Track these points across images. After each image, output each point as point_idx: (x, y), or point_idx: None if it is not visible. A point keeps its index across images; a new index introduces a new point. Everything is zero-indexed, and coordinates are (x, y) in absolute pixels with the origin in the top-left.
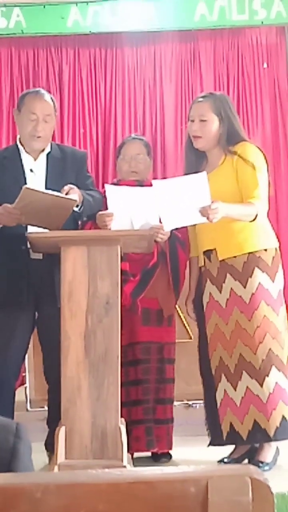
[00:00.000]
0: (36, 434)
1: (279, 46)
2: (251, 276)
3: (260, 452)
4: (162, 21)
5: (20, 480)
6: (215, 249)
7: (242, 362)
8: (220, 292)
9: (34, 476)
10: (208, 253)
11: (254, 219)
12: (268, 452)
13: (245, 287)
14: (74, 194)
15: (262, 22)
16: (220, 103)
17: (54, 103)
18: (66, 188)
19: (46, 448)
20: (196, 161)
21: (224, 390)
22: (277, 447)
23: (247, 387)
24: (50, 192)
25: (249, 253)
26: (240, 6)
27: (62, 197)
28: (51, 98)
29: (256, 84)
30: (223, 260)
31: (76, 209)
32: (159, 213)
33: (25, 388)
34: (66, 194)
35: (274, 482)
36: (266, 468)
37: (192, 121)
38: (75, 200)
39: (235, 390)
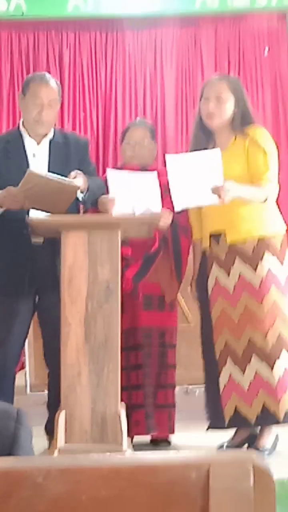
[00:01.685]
0: (36, 418)
1: (280, 32)
2: (261, 260)
3: (260, 438)
4: (163, 6)
5: (22, 465)
6: (223, 232)
7: (251, 346)
8: (228, 275)
9: (36, 461)
10: (215, 235)
11: (264, 201)
12: (268, 438)
13: (255, 271)
14: (80, 179)
15: (264, 8)
16: (236, 84)
17: (59, 88)
18: (73, 173)
19: (46, 432)
20: (205, 141)
21: (230, 374)
22: (276, 434)
23: (256, 371)
24: (54, 176)
25: (259, 237)
26: None
27: (66, 182)
28: (56, 82)
29: (257, 70)
30: (232, 244)
31: (81, 195)
32: (171, 190)
33: (25, 372)
34: (73, 179)
35: (274, 468)
36: (266, 454)
37: (207, 99)
38: (79, 186)
39: (243, 374)
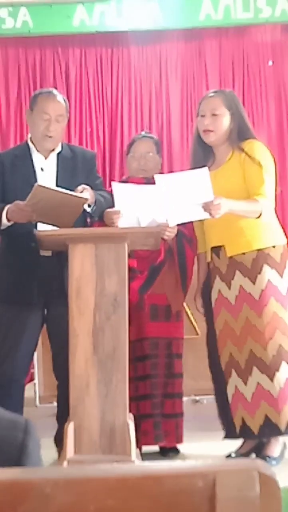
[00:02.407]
0: (45, 430)
1: (284, 43)
2: (260, 273)
3: (267, 447)
4: (168, 20)
5: (30, 475)
6: (223, 246)
7: (252, 358)
8: (229, 288)
9: (43, 471)
10: (216, 249)
11: (258, 217)
12: (275, 447)
13: (254, 284)
14: (87, 193)
15: (267, 20)
16: (231, 98)
17: (66, 104)
18: (79, 188)
19: (55, 444)
20: (203, 156)
21: (235, 385)
22: (284, 443)
23: (258, 382)
24: (61, 190)
25: (258, 250)
26: (245, 4)
27: (73, 195)
28: (63, 98)
29: (261, 82)
30: (231, 257)
31: (88, 209)
32: (163, 207)
33: (34, 384)
34: (80, 193)
35: (281, 476)
36: (274, 462)
37: (203, 116)
38: (86, 199)
39: (246, 386)
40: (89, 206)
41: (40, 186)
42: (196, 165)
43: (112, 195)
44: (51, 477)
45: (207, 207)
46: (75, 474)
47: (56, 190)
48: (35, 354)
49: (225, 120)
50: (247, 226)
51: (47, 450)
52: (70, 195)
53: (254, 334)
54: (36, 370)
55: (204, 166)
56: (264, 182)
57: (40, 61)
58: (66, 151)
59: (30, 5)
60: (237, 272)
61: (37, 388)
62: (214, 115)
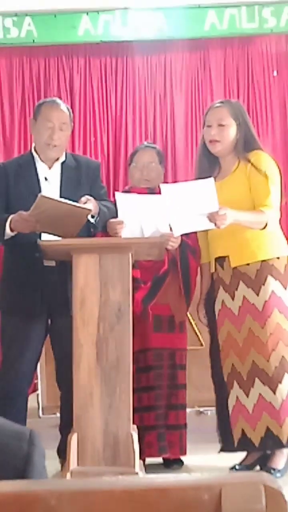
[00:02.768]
0: (48, 441)
1: None
2: (264, 284)
3: (272, 459)
4: (173, 30)
5: (35, 487)
6: (228, 256)
7: (255, 369)
8: (233, 299)
9: (48, 483)
10: (220, 260)
11: (264, 227)
12: (280, 459)
13: (258, 295)
14: (90, 204)
15: (272, 30)
16: (238, 109)
17: (70, 113)
18: (83, 199)
19: (58, 455)
20: (209, 167)
21: (236, 396)
22: None
23: (260, 394)
24: (65, 200)
25: (262, 261)
26: (250, 15)
27: (77, 206)
28: (67, 107)
29: (266, 92)
30: (235, 267)
31: (92, 220)
32: (168, 217)
33: (37, 395)
34: (83, 204)
35: (286, 490)
36: (278, 475)
37: (209, 126)
38: (90, 210)
39: (248, 397)
40: (92, 216)
41: (44, 196)
42: (201, 175)
43: (115, 205)
44: (56, 489)
45: (212, 217)
46: (80, 486)
47: (59, 201)
48: (39, 364)
49: (232, 131)
50: (252, 237)
51: (50, 461)
52: (74, 206)
53: (257, 345)
54: (39, 381)
55: (209, 176)
56: (270, 193)
57: (44, 71)
58: (70, 161)
59: (35, 14)
60: (241, 283)
61: (40, 399)
62: (220, 125)
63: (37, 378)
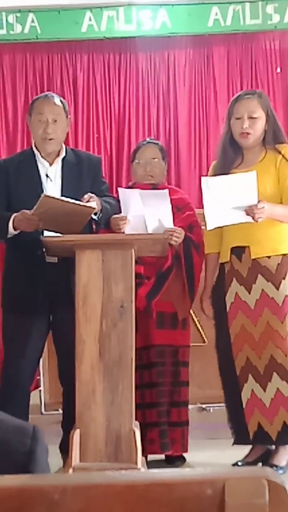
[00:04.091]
0: (50, 437)
1: None
2: (284, 278)
3: (274, 455)
4: (176, 26)
5: (38, 482)
6: (248, 247)
7: (272, 363)
8: (249, 292)
9: (51, 478)
10: (238, 251)
11: None
12: (283, 456)
13: (278, 289)
14: (94, 202)
15: (276, 27)
16: (266, 100)
17: (64, 105)
18: (86, 196)
19: (60, 451)
20: (234, 157)
21: (252, 390)
22: None
23: (278, 388)
24: (69, 200)
25: (284, 254)
26: (254, 11)
27: (80, 205)
28: (60, 100)
29: (270, 88)
30: (255, 259)
31: (94, 217)
32: (205, 209)
33: (40, 391)
34: (86, 202)
35: None
36: (281, 471)
37: (238, 118)
38: (94, 208)
39: (265, 391)
40: (95, 214)
41: (47, 196)
42: (225, 165)
43: (118, 201)
44: (60, 483)
45: (251, 210)
46: (83, 481)
47: (63, 200)
48: (41, 361)
49: (262, 123)
50: (275, 229)
51: (52, 457)
52: (78, 204)
53: (276, 339)
54: (41, 377)
55: (231, 167)
56: None
57: (47, 67)
58: (71, 156)
59: (38, 10)
60: (260, 276)
61: (42, 395)
62: (251, 117)
63: (39, 375)
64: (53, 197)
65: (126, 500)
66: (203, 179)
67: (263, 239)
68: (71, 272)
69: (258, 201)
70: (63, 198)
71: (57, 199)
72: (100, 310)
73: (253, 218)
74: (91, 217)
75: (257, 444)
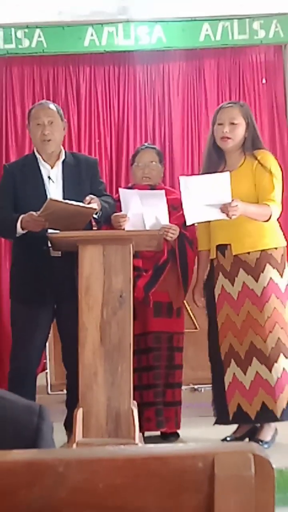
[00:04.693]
0: (56, 415)
1: (276, 63)
2: (263, 272)
3: (260, 431)
4: (170, 41)
5: (44, 456)
6: (229, 244)
7: (252, 349)
8: (233, 285)
9: (57, 452)
10: (222, 248)
11: (267, 220)
12: (267, 432)
13: (257, 281)
14: (95, 203)
15: (261, 42)
16: (246, 110)
17: (58, 109)
18: (87, 198)
19: (65, 428)
20: (217, 161)
21: (233, 374)
22: (275, 428)
23: (257, 372)
24: (72, 202)
25: (262, 250)
26: (241, 27)
27: (84, 207)
28: (55, 106)
29: (256, 98)
30: (236, 255)
31: (95, 216)
32: (184, 206)
33: (46, 373)
34: (88, 204)
35: (273, 459)
36: (266, 446)
37: (221, 124)
38: (95, 209)
39: (245, 375)
40: (95, 213)
41: (53, 200)
42: (209, 168)
43: (116, 200)
44: (64, 457)
45: (225, 208)
46: (86, 455)
47: (67, 203)
48: (47, 346)
49: (241, 129)
50: (253, 228)
51: (57, 434)
52: (80, 206)
53: (255, 327)
54: (48, 361)
55: (216, 170)
56: (274, 188)
57: (53, 78)
58: (70, 159)
59: (45, 26)
60: (241, 270)
61: (48, 377)
62: (232, 123)
63: (45, 358)
64: (58, 200)
65: (126, 473)
66: (181, 178)
67: (242, 237)
68: (74, 265)
69: (232, 200)
70: (67, 201)
71: (62, 202)
72: (101, 299)
73: (227, 215)
74: (92, 216)
75: (236, 423)
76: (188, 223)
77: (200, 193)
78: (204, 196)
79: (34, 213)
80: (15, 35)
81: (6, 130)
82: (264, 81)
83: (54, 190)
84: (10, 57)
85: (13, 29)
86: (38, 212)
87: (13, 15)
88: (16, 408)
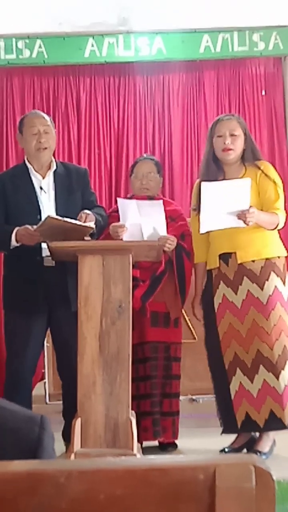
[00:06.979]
0: (54, 424)
1: (276, 75)
2: (268, 280)
3: (259, 442)
4: (171, 53)
5: (45, 467)
6: (234, 253)
7: (259, 357)
8: (236, 293)
9: (58, 463)
10: (225, 257)
11: (274, 228)
12: (266, 443)
13: (262, 289)
14: (91, 220)
15: (261, 53)
16: (243, 122)
17: (50, 120)
18: (83, 215)
19: (63, 438)
20: (216, 171)
21: (240, 382)
22: (273, 439)
23: (264, 379)
24: (71, 221)
25: (266, 258)
26: (241, 39)
27: (81, 225)
28: (46, 115)
29: (255, 110)
30: (241, 263)
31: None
32: (201, 213)
33: (44, 383)
34: (84, 221)
35: (271, 470)
36: (264, 457)
37: (220, 136)
38: (92, 227)
39: (252, 383)
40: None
41: (51, 217)
42: (209, 178)
43: (114, 211)
44: (65, 468)
45: (243, 215)
46: (87, 466)
47: (65, 221)
48: (46, 355)
49: (241, 141)
50: (257, 236)
51: (55, 444)
52: (78, 225)
53: (261, 335)
54: (46, 370)
55: (216, 179)
56: (279, 197)
57: (53, 89)
58: (61, 169)
59: (45, 37)
60: (245, 278)
61: (46, 387)
62: (233, 135)
63: (44, 368)
64: (56, 218)
65: (126, 484)
66: (203, 184)
67: (247, 245)
68: (68, 274)
69: (250, 206)
70: (65, 219)
71: (60, 220)
72: (100, 309)
73: (244, 222)
74: None
75: (245, 432)
76: (201, 232)
77: (220, 199)
78: (223, 203)
79: (30, 227)
80: (16, 46)
81: (7, 140)
82: (263, 93)
83: (46, 200)
84: (11, 67)
85: (14, 40)
86: (35, 227)
87: (14, 26)
88: (17, 418)
